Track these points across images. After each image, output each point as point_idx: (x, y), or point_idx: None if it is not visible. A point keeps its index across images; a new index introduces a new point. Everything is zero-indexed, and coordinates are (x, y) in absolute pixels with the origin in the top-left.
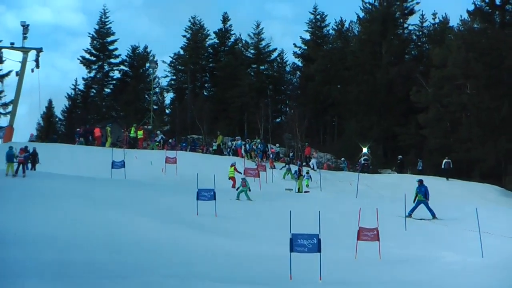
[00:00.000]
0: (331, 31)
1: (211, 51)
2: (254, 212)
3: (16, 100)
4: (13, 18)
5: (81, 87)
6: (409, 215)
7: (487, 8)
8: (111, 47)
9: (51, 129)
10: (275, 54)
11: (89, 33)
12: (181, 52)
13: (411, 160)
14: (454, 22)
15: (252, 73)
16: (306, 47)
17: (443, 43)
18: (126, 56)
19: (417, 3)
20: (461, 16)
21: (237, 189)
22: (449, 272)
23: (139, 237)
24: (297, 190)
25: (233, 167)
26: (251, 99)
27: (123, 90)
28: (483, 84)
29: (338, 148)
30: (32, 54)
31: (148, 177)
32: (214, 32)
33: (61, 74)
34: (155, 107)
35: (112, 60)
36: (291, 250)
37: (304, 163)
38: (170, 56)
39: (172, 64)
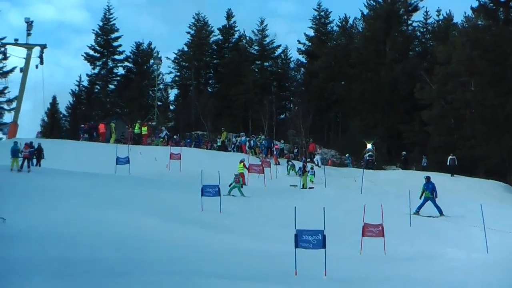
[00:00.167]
0: (335, 28)
1: (215, 47)
2: (259, 208)
3: (20, 96)
4: (17, 15)
5: (85, 83)
6: (417, 212)
7: (491, 5)
8: (115, 44)
9: (55, 125)
10: (279, 50)
11: (93, 30)
12: (185, 48)
13: (415, 157)
14: (458, 19)
15: (256, 70)
16: (310, 44)
17: (447, 40)
18: (130, 52)
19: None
20: (465, 13)
21: (229, 185)
22: (454, 268)
23: (143, 234)
24: (301, 186)
25: (242, 163)
26: (255, 96)
27: (127, 87)
28: (487, 81)
29: (342, 145)
30: (36, 51)
31: (153, 173)
32: (218, 29)
33: (65, 71)
34: (159, 103)
35: (116, 57)
36: (296, 246)
37: (308, 160)
38: (174, 53)
39: (176, 61)
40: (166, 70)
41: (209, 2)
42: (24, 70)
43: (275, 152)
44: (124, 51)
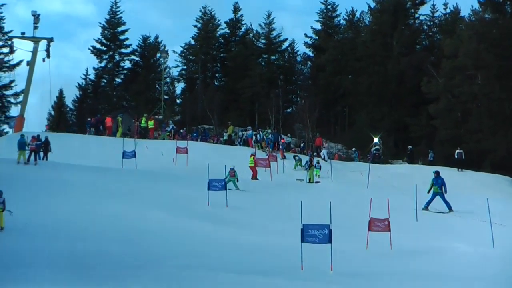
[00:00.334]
0: (342, 21)
1: (222, 41)
2: (265, 203)
3: (27, 90)
4: (24, 8)
5: (92, 77)
6: (426, 208)
7: None
8: (121, 37)
9: (62, 119)
10: (286, 44)
11: (100, 23)
12: (192, 42)
13: (422, 150)
14: (465, 12)
15: (263, 63)
16: (317, 37)
17: (454, 33)
18: (137, 46)
19: None
20: (472, 6)
21: (225, 179)
22: (460, 262)
23: (150, 227)
24: (308, 181)
25: (252, 157)
26: (262, 89)
27: (134, 80)
28: (494, 74)
29: (349, 139)
30: (43, 44)
31: (159, 167)
32: (225, 22)
33: (72, 64)
34: (165, 97)
35: (123, 50)
36: (302, 240)
37: (315, 153)
38: (181, 46)
39: (183, 54)
40: (173, 63)
41: None
42: (31, 64)
43: (281, 146)
44: (130, 44)
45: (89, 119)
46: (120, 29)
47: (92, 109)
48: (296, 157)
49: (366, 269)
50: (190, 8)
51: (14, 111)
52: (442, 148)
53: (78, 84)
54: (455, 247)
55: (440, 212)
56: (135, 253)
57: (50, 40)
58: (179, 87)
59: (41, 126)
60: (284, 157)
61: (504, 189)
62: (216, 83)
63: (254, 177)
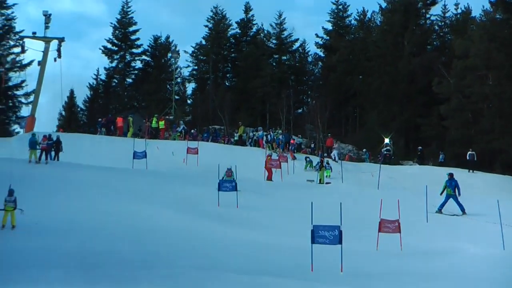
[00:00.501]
0: (353, 22)
1: (233, 41)
2: (276, 203)
3: (38, 90)
4: (35, 8)
5: (102, 77)
6: (439, 211)
7: None
8: (133, 37)
9: (72, 119)
10: (297, 44)
11: (111, 23)
12: (203, 42)
13: (432, 151)
14: (476, 12)
15: (274, 64)
16: (328, 38)
17: (465, 33)
18: (148, 46)
19: None
20: (483, 7)
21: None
22: (470, 264)
23: (160, 227)
24: (318, 182)
25: (269, 158)
26: (273, 90)
27: (145, 80)
28: (505, 74)
29: (360, 139)
30: (54, 44)
31: (170, 168)
32: (236, 22)
33: (83, 64)
34: (176, 97)
35: (134, 50)
36: (312, 241)
37: (325, 154)
38: (192, 46)
39: (194, 54)
40: (184, 63)
41: None
42: (42, 64)
43: (291, 147)
44: (142, 44)
45: (100, 119)
46: (131, 29)
47: (103, 109)
48: (307, 159)
49: (376, 270)
50: (201, 8)
51: (25, 111)
52: (452, 148)
53: (89, 84)
54: (465, 248)
55: (454, 215)
56: (145, 253)
57: (61, 40)
58: (190, 87)
59: (52, 126)
60: (294, 158)
61: None
62: (227, 83)
63: (270, 178)
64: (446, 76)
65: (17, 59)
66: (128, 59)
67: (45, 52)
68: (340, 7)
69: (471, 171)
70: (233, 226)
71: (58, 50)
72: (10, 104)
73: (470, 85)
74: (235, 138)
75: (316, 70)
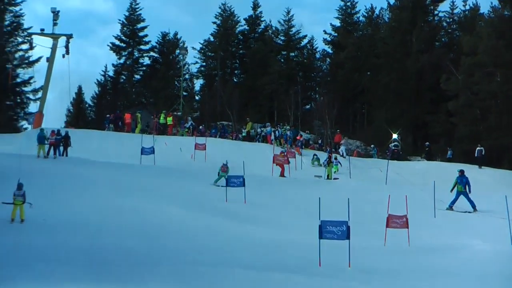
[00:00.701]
0: (361, 18)
1: (241, 37)
2: (283, 199)
3: (46, 86)
4: (43, 5)
5: (111, 73)
6: (450, 208)
7: None
8: (141, 34)
9: (81, 115)
10: (305, 41)
11: (119, 20)
12: (211, 38)
13: (440, 147)
14: (484, 9)
15: (282, 60)
16: (336, 34)
17: (474, 30)
18: (156, 42)
19: None
20: (491, 3)
21: (218, 174)
22: (478, 260)
23: (168, 223)
24: (326, 177)
25: (282, 154)
26: (281, 86)
27: (153, 77)
28: None
29: (368, 135)
30: (62, 41)
31: (178, 164)
32: (244, 19)
33: (91, 61)
34: (184, 93)
35: (142, 47)
36: (320, 237)
37: (333, 150)
38: (200, 43)
39: (202, 51)
40: (192, 60)
41: None
42: (50, 60)
43: (297, 143)
44: (150, 41)
45: (108, 115)
46: (139, 25)
47: (111, 105)
48: (315, 156)
49: (384, 265)
50: (209, 5)
51: (33, 107)
52: (461, 145)
53: (97, 80)
54: (473, 244)
55: (465, 212)
56: (153, 248)
57: (69, 36)
58: (198, 83)
59: (60, 122)
60: (300, 154)
61: None
62: (235, 80)
63: (282, 174)
64: (455, 73)
65: (25, 55)
66: (136, 55)
67: (53, 49)
68: (348, 3)
69: (480, 167)
70: (241, 222)
71: (66, 47)
72: (18, 100)
73: (478, 82)
74: (243, 134)
75: (324, 66)
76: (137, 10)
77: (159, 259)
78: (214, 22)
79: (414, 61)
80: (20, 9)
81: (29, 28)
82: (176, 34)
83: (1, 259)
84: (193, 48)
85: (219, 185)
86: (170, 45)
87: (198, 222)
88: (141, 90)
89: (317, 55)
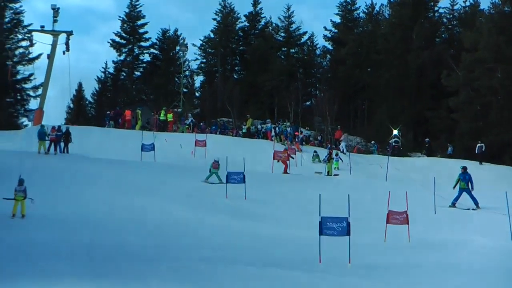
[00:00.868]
0: (361, 15)
1: (241, 34)
2: (284, 195)
3: (46, 83)
4: (44, 1)
5: (111, 70)
6: (453, 205)
7: None
8: (141, 30)
9: (81, 112)
10: (305, 37)
11: (119, 16)
12: (211, 35)
13: (441, 143)
14: (484, 5)
15: (282, 57)
16: (336, 31)
17: (474, 26)
18: (156, 39)
19: None
20: None
21: (209, 170)
22: (478, 255)
23: (169, 220)
24: (326, 173)
25: (285, 151)
26: (281, 83)
27: (153, 73)
28: None
29: (368, 132)
30: (62, 37)
31: (178, 160)
32: (245, 15)
33: (91, 57)
34: (185, 90)
35: (142, 43)
36: (320, 233)
37: (333, 146)
38: (200, 39)
39: (202, 47)
40: (192, 56)
41: None
42: (50, 57)
43: (297, 139)
44: (150, 37)
45: (108, 112)
46: (139, 22)
47: (111, 102)
48: (315, 153)
49: (384, 261)
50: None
51: (33, 104)
52: (461, 141)
53: (97, 77)
54: (473, 240)
55: (468, 209)
56: (153, 245)
57: (69, 33)
58: (198, 80)
59: (60, 119)
60: (300, 150)
61: None
62: (235, 76)
63: (286, 171)
64: (455, 69)
65: (26, 52)
66: (137, 52)
67: (54, 46)
68: (349, 0)
69: (481, 163)
70: (241, 218)
71: (66, 44)
72: (19, 97)
73: (479, 78)
74: (243, 131)
75: (325, 63)
76: (137, 6)
77: (160, 256)
78: (214, 19)
79: (415, 57)
80: (20, 6)
81: (29, 25)
82: (176, 30)
83: (2, 255)
84: (193, 44)
85: (211, 182)
86: (170, 42)
87: (199, 219)
88: (142, 86)
89: (318, 52)
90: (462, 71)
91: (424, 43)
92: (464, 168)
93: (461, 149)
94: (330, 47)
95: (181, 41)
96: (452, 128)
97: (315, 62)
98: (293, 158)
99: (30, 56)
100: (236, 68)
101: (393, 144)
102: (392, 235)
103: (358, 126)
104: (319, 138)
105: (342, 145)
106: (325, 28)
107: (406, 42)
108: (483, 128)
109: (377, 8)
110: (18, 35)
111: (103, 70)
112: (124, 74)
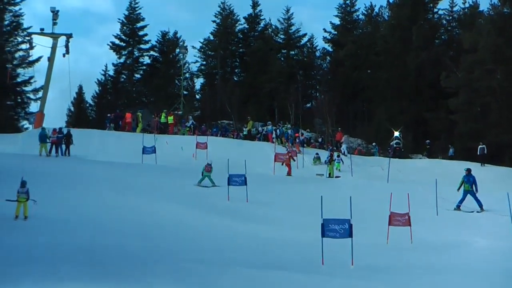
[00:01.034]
0: (361, 16)
1: (241, 36)
2: (285, 197)
3: (46, 86)
4: (43, 4)
5: (111, 72)
6: (458, 208)
7: None
8: (141, 33)
9: (81, 115)
10: (305, 39)
11: (119, 19)
12: (211, 37)
13: (441, 145)
14: (484, 6)
15: (282, 59)
16: (336, 32)
17: (473, 27)
18: (156, 41)
19: None
20: (491, 0)
21: (202, 174)
22: (480, 257)
23: (170, 222)
24: (328, 175)
25: (288, 154)
26: (281, 84)
27: (153, 76)
28: None
29: (369, 133)
30: (62, 40)
31: (179, 163)
32: (244, 18)
33: (91, 60)
34: (185, 92)
35: (142, 46)
36: (323, 235)
37: (334, 148)
38: (200, 42)
39: (202, 50)
40: (192, 59)
41: None
42: (50, 60)
43: (297, 141)
44: (150, 40)
45: (108, 114)
46: (139, 25)
47: (111, 105)
48: (316, 155)
49: (387, 263)
50: (209, 4)
51: (33, 107)
52: (461, 142)
53: (98, 80)
54: (475, 241)
55: (472, 212)
56: (155, 247)
57: (69, 36)
58: (198, 82)
59: (61, 122)
60: (299, 152)
61: None
62: (235, 79)
63: (289, 173)
64: (454, 70)
65: (26, 55)
66: (136, 54)
67: (53, 48)
68: (348, 1)
69: (483, 164)
70: (243, 220)
71: (66, 46)
72: (19, 100)
73: (478, 79)
74: (244, 133)
75: (324, 64)
76: (136, 9)
77: (161, 258)
78: (214, 21)
79: (414, 59)
80: (20, 9)
81: (28, 28)
82: (176, 33)
83: (2, 257)
84: (193, 47)
85: (203, 185)
86: (170, 44)
87: (200, 221)
88: (142, 89)
89: (317, 53)
90: (461, 72)
91: (423, 44)
92: (469, 170)
93: (461, 150)
94: (329, 48)
95: (181, 43)
96: (452, 129)
97: (315, 64)
98: (294, 160)
99: (30, 59)
100: (236, 70)
101: (394, 145)
102: (394, 236)
103: (358, 128)
104: (320, 140)
105: (344, 147)
106: (325, 30)
107: (405, 43)
108: (483, 129)
109: (376, 9)
110: (18, 38)
111: (103, 72)
112: (124, 77)
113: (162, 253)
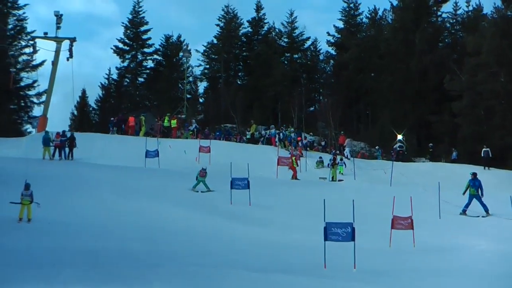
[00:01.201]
0: (364, 20)
1: (245, 40)
2: (288, 201)
3: (50, 90)
4: (47, 8)
5: (114, 76)
6: (463, 212)
7: None
8: (144, 37)
9: (85, 119)
10: (308, 42)
11: (122, 23)
12: (215, 41)
13: (444, 148)
14: (487, 9)
15: (286, 62)
16: (339, 36)
17: (477, 30)
18: (160, 45)
19: None
20: (494, 4)
21: (196, 179)
22: (483, 260)
23: (173, 226)
24: (331, 179)
25: (294, 157)
26: (285, 88)
27: (157, 80)
28: None
29: (372, 137)
30: (65, 44)
31: (182, 166)
32: (248, 21)
33: (94, 64)
34: (188, 96)
35: (146, 50)
36: (325, 239)
37: (337, 152)
38: (203, 45)
39: (206, 53)
40: (196, 62)
41: None
42: (54, 64)
43: (300, 144)
44: (153, 44)
45: (111, 118)
46: (142, 28)
47: (115, 108)
48: (320, 158)
49: (390, 267)
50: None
51: (37, 111)
52: (465, 145)
53: (101, 83)
54: (478, 244)
55: (478, 216)
56: (158, 251)
57: (72, 40)
58: (201, 86)
59: (64, 126)
60: (301, 155)
61: None
62: (239, 82)
63: (295, 177)
64: (458, 73)
65: (29, 59)
66: (140, 58)
67: (57, 52)
68: (352, 5)
69: (486, 168)
70: (246, 223)
71: (70, 50)
72: (22, 104)
73: (482, 82)
74: (248, 137)
75: (328, 68)
76: (140, 13)
77: (164, 261)
78: (218, 25)
79: (418, 62)
80: (23, 13)
81: (32, 32)
82: (179, 36)
83: (6, 260)
84: (196, 50)
85: (198, 190)
86: (173, 48)
87: (203, 224)
88: (145, 93)
89: (321, 57)
90: (465, 75)
91: (427, 48)
92: (474, 174)
93: (464, 153)
94: (333, 52)
95: (185, 47)
96: (455, 133)
97: (318, 67)
98: (297, 165)
99: (34, 63)
100: (240, 73)
101: (397, 149)
102: (397, 240)
103: (361, 131)
104: (323, 143)
105: (347, 150)
106: (328, 34)
107: (409, 46)
108: (486, 132)
109: (380, 13)
110: (22, 42)
111: (106, 76)
112: (128, 81)
113: (165, 256)
